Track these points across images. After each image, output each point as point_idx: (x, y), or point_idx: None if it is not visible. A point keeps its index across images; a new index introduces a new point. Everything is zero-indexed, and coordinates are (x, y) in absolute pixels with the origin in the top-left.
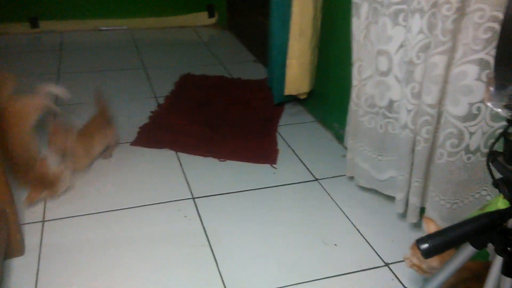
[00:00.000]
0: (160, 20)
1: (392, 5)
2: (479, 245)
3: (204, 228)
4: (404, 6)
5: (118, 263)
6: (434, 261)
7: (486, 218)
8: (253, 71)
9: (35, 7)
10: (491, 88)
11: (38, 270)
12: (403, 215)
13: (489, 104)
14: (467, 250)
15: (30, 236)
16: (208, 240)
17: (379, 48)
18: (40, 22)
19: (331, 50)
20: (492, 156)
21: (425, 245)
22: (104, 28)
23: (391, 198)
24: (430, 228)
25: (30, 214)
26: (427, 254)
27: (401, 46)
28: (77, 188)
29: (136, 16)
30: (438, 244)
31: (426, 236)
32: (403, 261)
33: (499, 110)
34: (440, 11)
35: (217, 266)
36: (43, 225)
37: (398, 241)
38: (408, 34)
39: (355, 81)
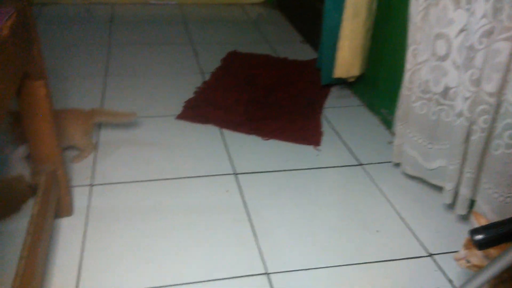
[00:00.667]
0: None
1: None
2: None
3: (245, 203)
4: None
5: (159, 230)
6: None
7: None
8: (300, 52)
9: None
10: None
11: (85, 230)
12: (451, 206)
13: None
14: None
15: (79, 198)
16: (249, 216)
17: (438, 31)
18: None
19: (386, 33)
20: None
21: (480, 236)
22: (153, 2)
23: (438, 188)
24: (480, 223)
25: (79, 178)
26: (481, 245)
27: (462, 30)
28: (123, 156)
29: None
30: (494, 236)
31: (481, 227)
32: (447, 252)
33: None
34: None
35: (257, 241)
36: (91, 189)
37: (444, 232)
38: (470, 18)
39: (408, 64)
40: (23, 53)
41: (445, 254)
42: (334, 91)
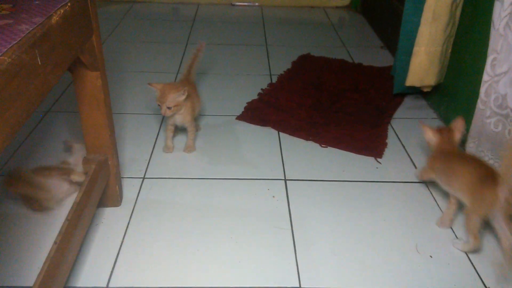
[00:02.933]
0: None
1: None
2: None
3: (289, 211)
4: None
5: (201, 229)
6: None
7: None
8: (378, 58)
9: None
10: None
11: (128, 223)
12: None
13: None
14: None
15: (129, 190)
16: (291, 225)
17: None
18: None
19: (469, 41)
20: None
21: None
22: (237, 4)
23: None
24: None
25: (133, 169)
26: None
27: None
28: (179, 152)
29: None
30: None
31: None
32: None
33: None
34: None
35: (295, 253)
36: (142, 181)
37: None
38: None
39: (486, 76)
40: (76, 42)
41: None
42: (408, 101)
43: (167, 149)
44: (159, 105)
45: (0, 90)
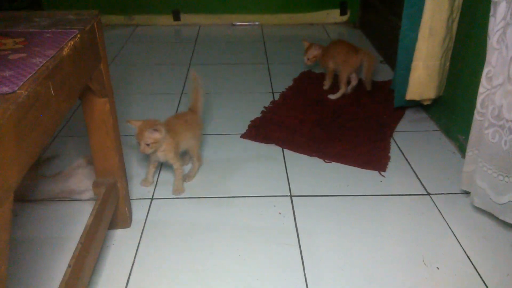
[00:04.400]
0: (291, 17)
1: None
2: None
3: (296, 227)
4: None
5: (211, 246)
6: None
7: None
8: (378, 72)
9: (179, 1)
10: None
11: (139, 243)
12: None
13: None
14: None
15: (138, 211)
16: (299, 241)
17: None
18: (182, 15)
19: (466, 55)
20: None
21: None
22: (238, 23)
23: (509, 225)
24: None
25: (141, 191)
26: None
27: None
28: (185, 172)
29: (269, 12)
30: None
31: None
32: None
33: None
34: None
35: (303, 269)
36: (151, 202)
37: None
38: None
39: (482, 88)
40: (85, 71)
41: None
42: (409, 115)
43: (145, 182)
44: (137, 142)
45: (18, 122)
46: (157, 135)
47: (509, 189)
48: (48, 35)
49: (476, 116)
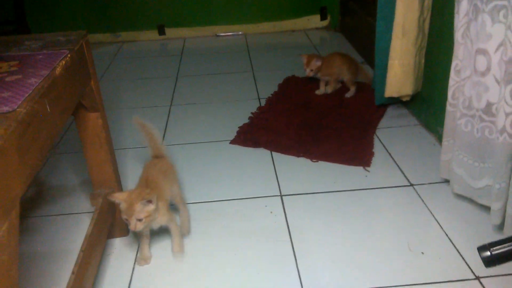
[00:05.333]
0: (273, 25)
1: (492, 1)
2: None
3: (288, 225)
4: (504, 2)
5: (207, 249)
6: None
7: None
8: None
9: (163, 16)
10: None
11: (137, 251)
12: (500, 227)
13: None
14: None
15: None
16: (291, 237)
17: (478, 46)
18: (167, 30)
19: (438, 51)
20: None
21: (487, 253)
22: (222, 34)
23: (487, 208)
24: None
25: None
26: (488, 263)
27: (501, 44)
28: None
29: (251, 22)
30: (504, 253)
31: (488, 243)
32: (495, 276)
33: None
34: None
35: (296, 263)
36: None
37: None
38: (508, 31)
39: (451, 80)
40: (77, 88)
41: (493, 278)
42: (390, 111)
43: (143, 261)
44: (126, 219)
45: (19, 137)
46: (151, 207)
47: (484, 174)
48: (40, 56)
49: (449, 108)
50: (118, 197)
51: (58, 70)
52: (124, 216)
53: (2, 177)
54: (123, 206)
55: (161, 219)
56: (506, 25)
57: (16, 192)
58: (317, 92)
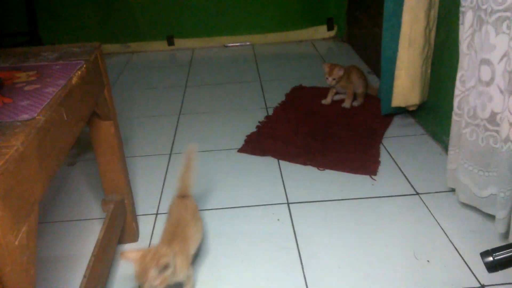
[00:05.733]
0: (280, 35)
1: (495, 12)
2: None
3: (294, 232)
4: (508, 14)
5: (216, 254)
6: None
7: None
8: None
9: (172, 26)
10: None
11: None
12: (505, 235)
13: None
14: None
15: (145, 225)
16: (297, 244)
17: (482, 57)
18: (175, 40)
19: (444, 61)
20: None
21: (489, 259)
22: (230, 45)
23: (493, 217)
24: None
25: (147, 206)
26: (491, 269)
27: (505, 55)
28: None
29: (259, 33)
30: (505, 258)
31: (491, 249)
32: (501, 284)
33: None
34: None
35: (303, 270)
36: (156, 217)
37: None
38: (511, 42)
39: (457, 90)
40: (92, 97)
41: (498, 286)
42: (397, 121)
43: None
44: (139, 285)
45: (39, 144)
46: (167, 273)
47: (489, 183)
48: (57, 67)
49: (454, 117)
50: (131, 257)
51: (74, 80)
52: (137, 282)
53: (23, 181)
54: (136, 268)
55: (178, 276)
56: (509, 36)
57: (36, 196)
58: (324, 101)
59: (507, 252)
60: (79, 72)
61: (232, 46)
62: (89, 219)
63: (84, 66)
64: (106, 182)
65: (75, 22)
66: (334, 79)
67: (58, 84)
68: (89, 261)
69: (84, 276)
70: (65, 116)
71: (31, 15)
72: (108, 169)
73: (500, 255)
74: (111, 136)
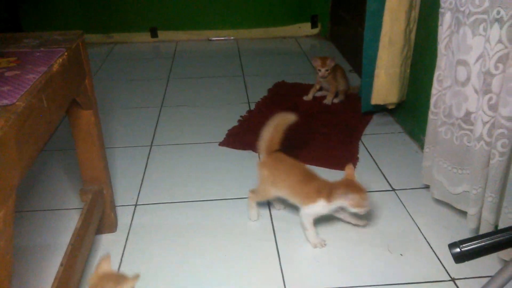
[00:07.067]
0: (265, 31)
1: (473, 14)
2: None
3: (273, 225)
4: (485, 16)
5: (194, 247)
6: None
7: None
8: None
9: (156, 18)
10: None
11: (125, 246)
12: (476, 231)
13: None
14: None
15: (123, 216)
16: (275, 237)
17: (458, 57)
18: (159, 32)
19: (423, 61)
20: None
21: (456, 250)
22: (214, 39)
23: (465, 213)
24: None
25: (126, 198)
26: (458, 259)
27: (481, 56)
28: (167, 179)
29: (243, 27)
30: (472, 250)
31: (458, 241)
32: (470, 278)
33: None
34: None
35: (279, 262)
36: (135, 208)
37: None
38: (486, 44)
39: (434, 90)
40: (72, 85)
41: (467, 279)
42: (376, 119)
43: None
44: None
45: (18, 130)
46: None
47: (462, 180)
48: (38, 54)
49: (430, 116)
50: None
51: (55, 67)
52: None
53: (1, 166)
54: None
55: None
56: (485, 38)
57: (14, 181)
58: (305, 98)
59: (474, 244)
60: (60, 60)
61: (216, 40)
62: (67, 209)
63: (66, 53)
64: (85, 171)
65: (57, 10)
66: (327, 70)
67: (38, 71)
68: (66, 250)
69: (61, 265)
70: (45, 103)
71: (10, 1)
72: (87, 159)
73: (466, 247)
74: (91, 125)
